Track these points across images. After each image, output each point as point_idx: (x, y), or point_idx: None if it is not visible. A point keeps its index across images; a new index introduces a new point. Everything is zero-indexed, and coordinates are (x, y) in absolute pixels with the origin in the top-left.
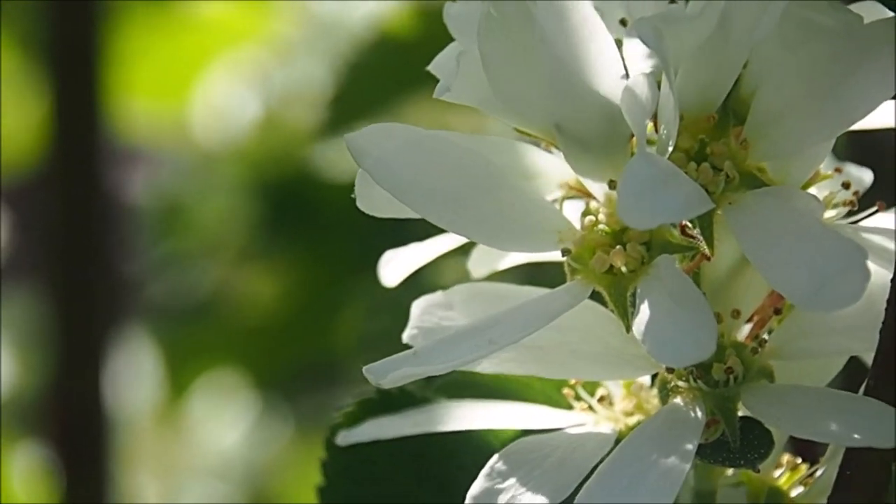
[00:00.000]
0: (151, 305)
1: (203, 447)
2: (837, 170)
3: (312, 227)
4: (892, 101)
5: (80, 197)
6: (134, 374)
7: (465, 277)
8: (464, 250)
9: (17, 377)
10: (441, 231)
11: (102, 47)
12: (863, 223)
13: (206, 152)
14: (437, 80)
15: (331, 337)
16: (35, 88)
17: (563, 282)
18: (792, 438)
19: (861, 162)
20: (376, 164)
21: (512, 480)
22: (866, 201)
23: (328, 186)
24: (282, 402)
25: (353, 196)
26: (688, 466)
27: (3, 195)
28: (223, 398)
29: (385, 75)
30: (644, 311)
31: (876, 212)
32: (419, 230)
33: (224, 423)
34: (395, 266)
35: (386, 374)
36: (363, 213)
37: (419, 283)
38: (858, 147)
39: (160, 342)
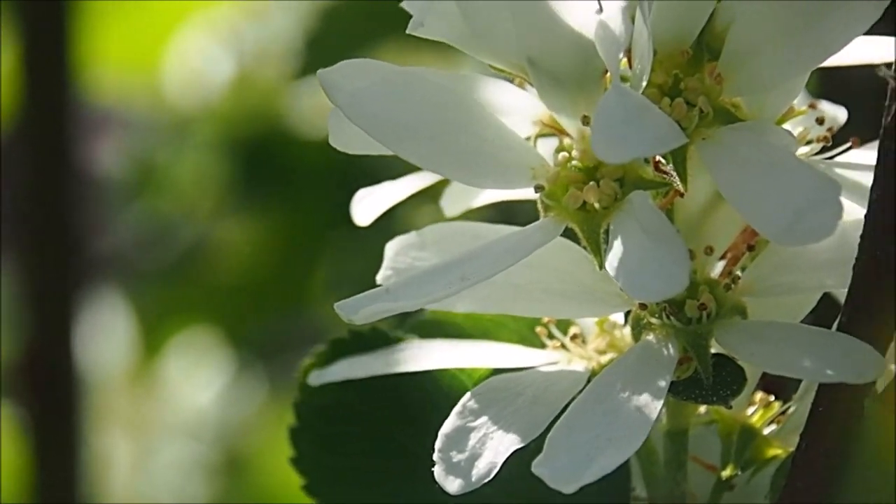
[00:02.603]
0: (125, 265)
1: (177, 406)
2: (812, 106)
3: (286, 184)
4: (868, 38)
5: (51, 159)
6: (108, 334)
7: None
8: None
9: None
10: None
11: (72, 9)
12: (837, 159)
13: (180, 112)
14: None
15: (305, 294)
16: (1, 53)
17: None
18: (765, 376)
19: (836, 100)
20: (349, 100)
21: (484, 419)
22: (842, 139)
23: (302, 143)
24: (256, 362)
25: (327, 152)
26: (660, 403)
27: None
28: (197, 357)
29: (357, 20)
30: (617, 247)
31: (850, 148)
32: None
33: (198, 383)
34: (368, 204)
35: (357, 310)
36: (337, 170)
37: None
38: (834, 85)
39: (134, 302)
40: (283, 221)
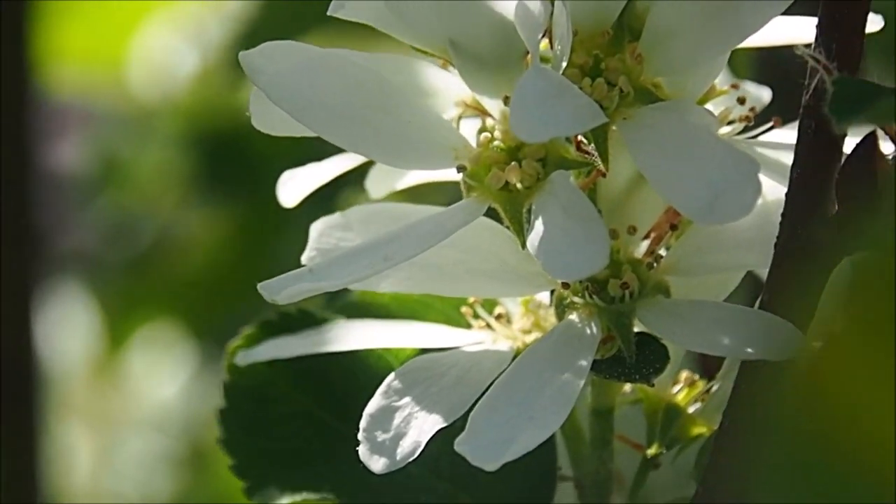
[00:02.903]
0: (89, 259)
1: (142, 400)
2: (734, 86)
3: (249, 178)
4: (790, 18)
5: (12, 154)
6: (71, 328)
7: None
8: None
9: None
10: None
11: (33, 3)
12: (759, 139)
13: (144, 106)
14: None
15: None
16: None
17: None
18: (692, 356)
19: (766, 81)
20: (271, 82)
21: (408, 398)
22: (768, 119)
23: (264, 137)
24: (220, 355)
25: (289, 146)
26: (582, 382)
27: None
28: (161, 350)
29: (297, 9)
30: (538, 227)
31: (772, 128)
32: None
33: (162, 376)
34: (293, 186)
35: (281, 290)
36: (300, 164)
37: None
38: (762, 66)
39: (98, 295)
40: (246, 215)
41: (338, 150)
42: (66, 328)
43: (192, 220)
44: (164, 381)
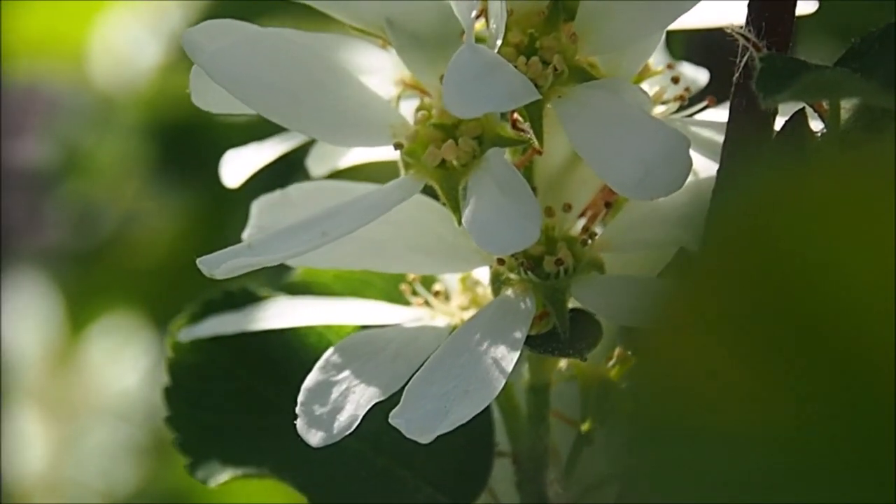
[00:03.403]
0: (50, 247)
1: (103, 388)
2: (669, 66)
3: (210, 167)
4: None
5: None
6: (32, 316)
7: None
8: None
9: None
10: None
11: None
12: (694, 118)
13: (105, 96)
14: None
15: (233, 279)
16: None
17: None
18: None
19: (704, 64)
20: (211, 59)
21: (346, 373)
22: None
23: (226, 127)
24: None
25: (250, 136)
26: (517, 354)
27: None
28: (122, 339)
29: None
30: (473, 203)
31: (707, 107)
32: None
33: (123, 365)
34: (235, 166)
35: (219, 264)
36: None
37: None
38: (702, 49)
39: (59, 284)
40: (206, 205)
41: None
42: (27, 317)
43: (152, 209)
44: (126, 369)
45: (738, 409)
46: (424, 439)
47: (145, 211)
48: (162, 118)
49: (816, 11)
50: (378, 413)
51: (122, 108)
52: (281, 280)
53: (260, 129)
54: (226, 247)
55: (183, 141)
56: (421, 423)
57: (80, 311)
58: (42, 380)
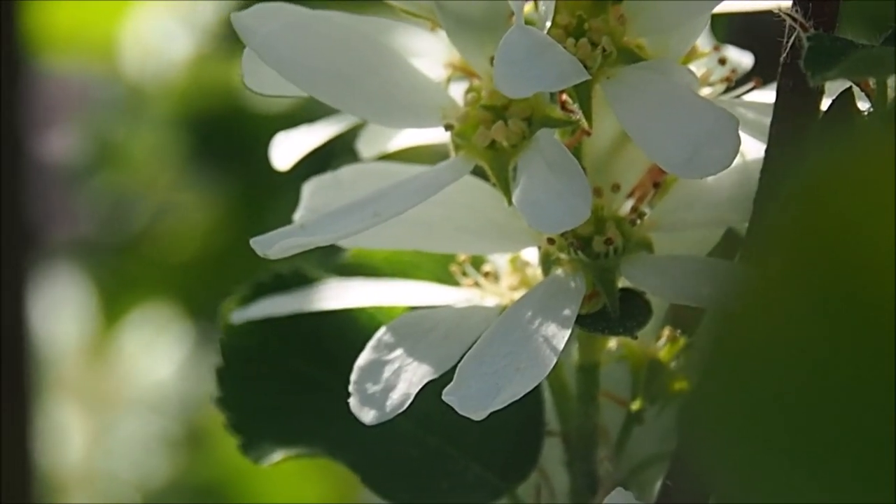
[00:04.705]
0: (84, 240)
1: (137, 380)
2: (716, 48)
3: (243, 158)
4: None
5: (5, 136)
6: (67, 309)
7: None
8: None
9: None
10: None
11: None
12: (740, 99)
13: (137, 87)
14: None
15: (262, 267)
16: None
17: None
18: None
19: (749, 48)
20: (263, 43)
21: (398, 352)
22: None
23: (259, 117)
24: (215, 335)
25: (283, 126)
26: (567, 332)
27: None
28: (157, 331)
29: None
30: (523, 183)
31: (753, 88)
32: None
33: (158, 357)
34: (286, 148)
35: (272, 244)
36: None
37: None
38: (748, 35)
39: (93, 276)
40: (239, 195)
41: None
42: (62, 310)
43: (185, 201)
44: (160, 361)
45: (819, 387)
46: (477, 416)
47: (178, 203)
48: (194, 110)
49: (853, 2)
50: (429, 393)
51: (154, 99)
52: (331, 261)
53: (293, 119)
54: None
55: (215, 133)
56: (473, 400)
57: (114, 303)
58: (76, 372)
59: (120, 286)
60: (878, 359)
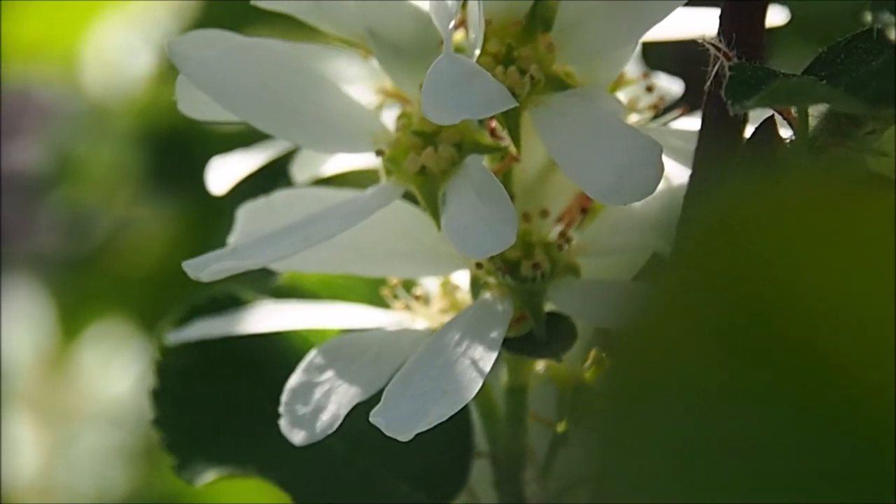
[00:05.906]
0: (43, 254)
1: (95, 394)
2: (644, 75)
3: (201, 175)
4: (697, 10)
5: None
6: (25, 322)
7: None
8: None
9: None
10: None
11: None
12: (667, 127)
13: (98, 102)
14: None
15: (219, 284)
16: None
17: None
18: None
19: (677, 74)
20: (196, 69)
21: (329, 374)
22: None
23: (217, 135)
24: None
25: (242, 144)
26: (494, 355)
27: None
28: (115, 345)
29: (247, 7)
30: (451, 208)
31: (680, 116)
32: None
33: (116, 370)
34: (221, 173)
35: (204, 267)
36: None
37: None
38: (675, 60)
39: (51, 289)
40: (198, 212)
41: (286, 155)
42: (19, 322)
43: (145, 216)
44: (118, 375)
45: (709, 411)
46: (403, 437)
47: (138, 218)
48: (154, 126)
49: (796, 22)
50: (360, 414)
51: (114, 115)
52: (266, 285)
53: (250, 138)
54: None
55: (175, 149)
56: (400, 421)
57: (73, 316)
58: (34, 385)
59: (78, 300)
60: (767, 384)
